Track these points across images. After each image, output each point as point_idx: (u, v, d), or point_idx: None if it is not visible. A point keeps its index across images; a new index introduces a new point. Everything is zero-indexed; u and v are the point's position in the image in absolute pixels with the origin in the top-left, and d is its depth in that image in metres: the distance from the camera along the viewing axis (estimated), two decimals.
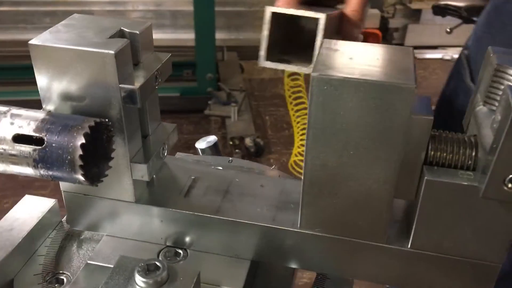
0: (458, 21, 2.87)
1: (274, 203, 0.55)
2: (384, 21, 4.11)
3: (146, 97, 0.49)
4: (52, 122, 0.45)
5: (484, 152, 0.44)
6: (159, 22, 3.96)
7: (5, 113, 0.47)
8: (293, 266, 0.55)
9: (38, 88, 0.49)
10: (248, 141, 2.75)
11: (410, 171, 0.46)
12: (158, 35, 3.96)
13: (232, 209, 0.54)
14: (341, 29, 0.70)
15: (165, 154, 0.57)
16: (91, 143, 0.45)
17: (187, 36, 3.96)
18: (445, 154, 0.46)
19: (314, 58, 0.54)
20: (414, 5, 3.99)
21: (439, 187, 0.45)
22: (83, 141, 0.44)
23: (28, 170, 0.46)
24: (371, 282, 0.53)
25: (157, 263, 0.50)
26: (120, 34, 0.50)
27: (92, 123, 0.45)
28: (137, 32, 0.50)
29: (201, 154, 0.80)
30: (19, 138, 0.45)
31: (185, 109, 3.35)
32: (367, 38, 4.07)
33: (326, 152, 0.45)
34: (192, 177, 0.58)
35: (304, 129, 2.60)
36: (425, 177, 0.45)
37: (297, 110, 2.25)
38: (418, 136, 0.44)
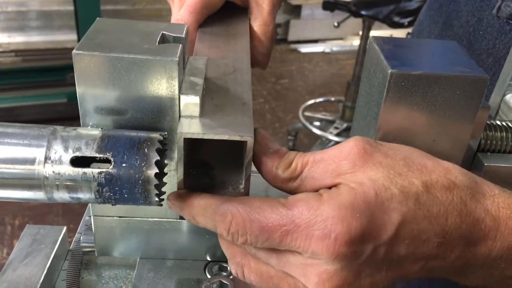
0: (338, 16, 3.05)
1: None
2: None
3: (204, 104, 0.45)
4: (115, 140, 0.40)
5: None
6: (31, 23, 3.70)
7: (53, 134, 0.40)
8: None
9: (78, 102, 0.44)
10: None
11: (464, 159, 0.49)
12: (34, 38, 3.69)
13: None
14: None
15: None
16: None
17: (66, 38, 3.75)
18: (495, 141, 0.49)
19: (243, 180, 0.42)
20: (294, 1, 4.15)
21: (497, 172, 0.48)
22: (158, 157, 0.40)
23: (87, 195, 0.41)
24: None
25: (223, 280, 0.47)
26: (163, 38, 0.46)
27: (160, 137, 0.41)
28: (183, 36, 0.46)
29: None
30: (76, 161, 0.40)
31: (75, 115, 3.15)
32: None
33: None
34: None
35: None
36: (484, 163, 0.47)
37: None
38: (476, 126, 0.47)
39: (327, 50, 4.31)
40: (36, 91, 3.27)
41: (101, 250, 0.52)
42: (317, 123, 3.09)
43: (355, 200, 0.38)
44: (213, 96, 0.45)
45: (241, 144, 0.41)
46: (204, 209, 0.41)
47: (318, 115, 3.16)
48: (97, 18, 0.47)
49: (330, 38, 4.39)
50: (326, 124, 3.07)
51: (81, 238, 0.55)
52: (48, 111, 3.19)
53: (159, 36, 0.45)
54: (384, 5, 2.60)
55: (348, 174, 0.40)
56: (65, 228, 0.56)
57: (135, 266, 0.53)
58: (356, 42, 4.20)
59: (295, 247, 0.38)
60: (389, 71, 0.43)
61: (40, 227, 0.56)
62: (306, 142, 3.17)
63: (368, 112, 0.48)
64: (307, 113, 3.15)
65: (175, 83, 0.42)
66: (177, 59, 0.41)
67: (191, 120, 0.42)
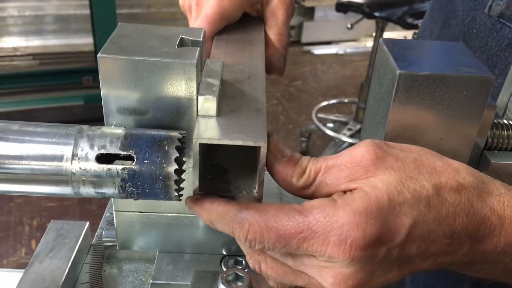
0: (351, 18, 3.06)
1: None
2: None
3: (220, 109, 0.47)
4: (137, 138, 0.43)
5: None
6: (47, 27, 3.76)
7: (79, 132, 0.43)
8: None
9: (102, 102, 0.46)
10: None
11: (471, 157, 0.50)
12: (50, 41, 3.75)
13: None
14: (265, 54, 0.60)
15: None
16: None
17: (82, 41, 3.81)
18: (502, 139, 0.50)
19: (257, 184, 0.44)
20: (308, 3, 4.17)
21: (504, 169, 0.49)
22: (177, 154, 0.42)
23: (111, 190, 0.43)
24: None
25: (238, 273, 0.49)
26: (182, 42, 0.48)
27: (179, 135, 0.44)
28: (200, 39, 0.48)
29: None
30: (101, 158, 0.42)
31: (92, 117, 3.21)
32: None
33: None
34: None
35: None
36: (491, 161, 0.49)
37: None
38: (483, 125, 0.49)
39: (341, 52, 4.32)
40: (53, 94, 3.32)
41: (122, 244, 0.54)
42: (331, 125, 3.10)
43: (369, 205, 0.39)
44: (228, 101, 0.47)
45: (255, 149, 0.43)
46: (222, 216, 0.43)
47: (332, 117, 3.17)
48: (119, 23, 0.49)
49: (343, 40, 4.40)
50: (339, 126, 3.08)
51: (103, 233, 0.58)
52: (64, 113, 3.25)
53: (178, 40, 0.47)
54: (397, 7, 2.61)
55: (363, 180, 0.41)
56: (87, 223, 0.59)
57: (154, 261, 0.55)
58: (369, 43, 4.20)
59: (311, 252, 0.40)
60: (398, 71, 0.44)
61: (64, 222, 0.58)
62: (320, 144, 3.18)
63: (378, 111, 0.49)
64: (320, 115, 3.16)
65: (194, 84, 0.45)
66: (195, 61, 0.44)
67: (207, 122, 0.44)
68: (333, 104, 3.42)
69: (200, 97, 0.45)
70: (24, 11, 3.76)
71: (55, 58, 3.71)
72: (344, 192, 0.42)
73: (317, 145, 3.18)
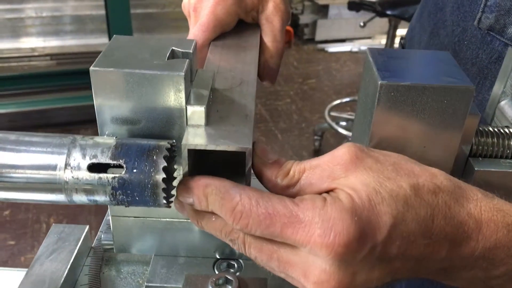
0: (365, 15, 3.05)
1: None
2: (294, 18, 4.25)
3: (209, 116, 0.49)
4: (127, 147, 0.45)
5: None
6: (65, 28, 3.81)
7: (72, 142, 0.45)
8: None
9: (96, 113, 0.48)
10: None
11: (456, 164, 0.51)
12: (68, 42, 3.81)
13: None
14: (259, 60, 0.62)
15: None
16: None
17: (98, 41, 3.86)
18: (486, 147, 0.51)
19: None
20: (322, 1, 4.16)
21: (488, 176, 0.50)
22: (165, 164, 0.44)
23: (103, 198, 0.45)
24: None
25: (228, 277, 0.51)
26: (172, 54, 0.50)
27: (168, 145, 0.45)
28: (190, 51, 0.50)
29: None
30: (94, 167, 0.44)
31: None
32: None
33: None
34: None
35: None
36: (475, 168, 0.50)
37: None
38: (467, 133, 0.49)
39: (355, 50, 4.30)
40: (70, 93, 3.37)
41: (119, 248, 0.57)
42: (344, 123, 3.10)
43: (353, 205, 0.41)
44: (218, 108, 0.49)
45: (242, 153, 0.45)
46: (218, 188, 0.43)
47: (345, 115, 3.17)
48: (114, 36, 0.51)
49: (357, 38, 4.38)
50: (352, 124, 3.08)
51: (102, 236, 0.60)
52: (80, 113, 3.30)
53: (169, 52, 0.49)
54: (409, 4, 2.59)
55: (342, 179, 0.43)
56: (87, 227, 0.61)
57: None
58: (384, 41, 4.17)
59: (294, 241, 0.40)
60: (379, 82, 0.46)
61: (65, 226, 0.61)
62: (333, 142, 3.19)
63: (364, 120, 0.51)
64: (333, 113, 3.16)
65: (182, 95, 0.46)
66: (183, 73, 0.45)
67: (196, 130, 0.46)
68: (346, 102, 3.42)
69: (189, 108, 0.47)
70: (42, 12, 3.82)
71: (72, 58, 3.76)
72: (327, 192, 0.43)
73: (330, 143, 3.19)
